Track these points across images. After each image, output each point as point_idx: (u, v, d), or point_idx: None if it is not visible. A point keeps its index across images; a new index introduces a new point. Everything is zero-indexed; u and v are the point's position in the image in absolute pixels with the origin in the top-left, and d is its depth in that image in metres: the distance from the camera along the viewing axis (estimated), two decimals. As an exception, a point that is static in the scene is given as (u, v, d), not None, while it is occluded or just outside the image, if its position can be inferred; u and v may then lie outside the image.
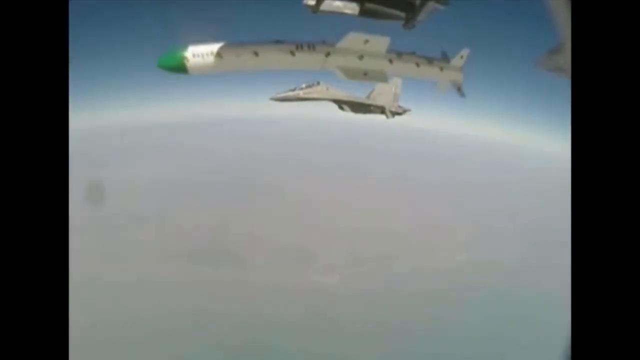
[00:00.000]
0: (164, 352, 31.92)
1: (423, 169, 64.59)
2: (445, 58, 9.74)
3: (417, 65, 9.22)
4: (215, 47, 8.26)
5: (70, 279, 3.74)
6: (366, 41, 8.32)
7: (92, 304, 31.39)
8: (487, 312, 36.77)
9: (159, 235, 45.87)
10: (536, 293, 37.53)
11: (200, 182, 56.07)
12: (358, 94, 21.24)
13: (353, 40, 8.37)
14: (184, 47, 8.23)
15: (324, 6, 6.70)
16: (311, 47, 8.60)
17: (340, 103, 20.94)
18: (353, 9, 6.76)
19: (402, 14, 6.75)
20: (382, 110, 21.22)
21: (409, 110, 21.92)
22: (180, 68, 8.27)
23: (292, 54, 8.48)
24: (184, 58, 8.19)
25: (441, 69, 9.45)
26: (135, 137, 68.55)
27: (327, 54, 8.59)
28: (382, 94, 20.78)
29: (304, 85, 19.63)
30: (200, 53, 8.19)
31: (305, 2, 6.83)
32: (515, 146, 78.64)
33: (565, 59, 3.63)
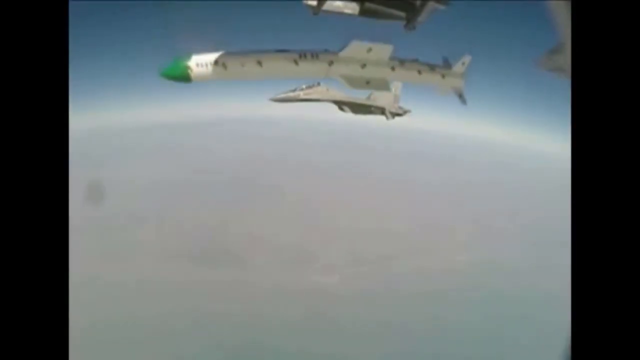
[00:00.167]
0: (164, 352, 31.90)
1: (423, 169, 64.65)
2: (447, 64, 9.77)
3: (419, 72, 9.28)
4: (219, 56, 8.25)
5: (70, 279, 3.74)
6: (369, 49, 8.40)
7: (92, 303, 31.42)
8: (487, 312, 36.77)
9: (159, 235, 45.89)
10: (536, 293, 37.55)
11: (200, 182, 56.12)
12: (358, 95, 21.23)
13: (356, 48, 8.44)
14: (187, 56, 8.21)
15: (324, 6, 6.70)
16: (314, 56, 8.62)
17: (340, 104, 20.95)
18: (353, 9, 6.76)
19: (403, 14, 6.75)
20: (382, 111, 21.22)
21: (409, 111, 21.91)
22: (183, 78, 8.27)
23: (296, 63, 8.52)
24: (187, 68, 8.18)
25: (443, 76, 9.52)
26: (136, 137, 68.64)
27: (331, 63, 8.63)
28: (382, 95, 20.77)
29: (304, 86, 19.65)
30: (203, 62, 8.19)
31: (305, 2, 6.82)
32: (515, 146, 78.74)
33: (565, 59, 3.62)
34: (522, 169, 68.25)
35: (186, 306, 36.08)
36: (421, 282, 40.96)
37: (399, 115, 21.84)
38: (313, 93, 19.96)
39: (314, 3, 6.70)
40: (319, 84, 19.73)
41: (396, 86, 20.52)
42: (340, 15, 6.88)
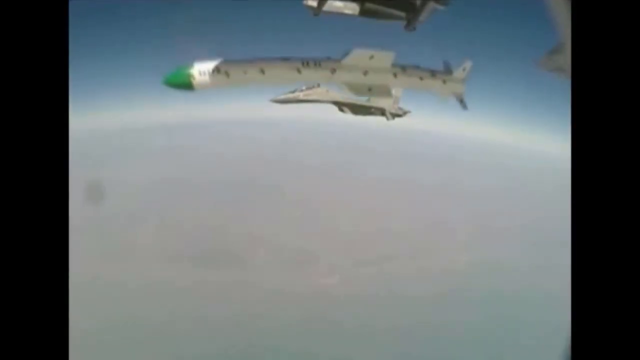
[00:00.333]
0: (164, 352, 31.91)
1: (423, 169, 64.61)
2: (448, 70, 9.85)
3: (421, 78, 9.37)
4: (221, 64, 8.30)
5: (70, 279, 3.74)
6: (371, 57, 8.50)
7: (92, 304, 31.39)
8: (488, 312, 36.76)
9: (159, 235, 45.88)
10: (536, 293, 37.52)
11: (200, 184, 56.09)
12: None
13: (358, 56, 8.54)
14: (190, 64, 8.24)
15: (324, 7, 6.71)
16: (317, 63, 8.70)
17: (340, 105, 21.00)
18: (353, 9, 6.77)
19: (403, 14, 6.76)
20: (382, 112, 21.26)
21: (409, 111, 21.95)
22: (186, 86, 8.31)
23: (299, 71, 8.58)
24: (190, 76, 8.22)
25: (444, 81, 9.64)
26: (136, 138, 68.59)
27: (333, 71, 8.71)
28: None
29: (304, 88, 19.72)
30: (206, 70, 8.23)
31: (305, 3, 6.83)
32: (515, 147, 78.65)
33: (565, 59, 3.63)
34: (522, 169, 68.21)
35: (186, 307, 36.07)
36: (421, 282, 40.95)
37: (398, 116, 21.87)
38: (313, 94, 20.03)
39: (314, 4, 6.72)
40: (318, 85, 19.79)
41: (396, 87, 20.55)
42: (340, 15, 6.89)
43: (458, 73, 9.78)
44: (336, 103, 20.86)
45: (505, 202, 57.29)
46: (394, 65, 8.90)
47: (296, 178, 58.61)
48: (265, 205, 52.12)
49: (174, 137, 68.62)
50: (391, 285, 40.88)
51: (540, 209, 52.09)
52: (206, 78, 8.22)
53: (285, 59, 8.61)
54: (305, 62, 8.60)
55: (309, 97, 20.00)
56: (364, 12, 6.79)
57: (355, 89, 8.91)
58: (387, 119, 21.35)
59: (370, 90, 8.94)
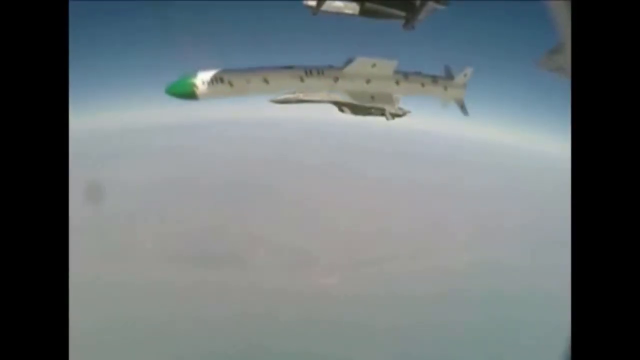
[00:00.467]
0: (164, 352, 31.90)
1: (423, 170, 64.65)
2: (450, 75, 9.87)
3: (422, 85, 9.41)
4: (225, 74, 8.27)
5: (70, 279, 3.74)
6: (374, 65, 8.53)
7: (92, 304, 31.40)
8: (488, 313, 36.77)
9: (159, 236, 45.89)
10: (536, 293, 37.54)
11: (200, 183, 56.12)
12: None
13: (361, 64, 8.56)
14: (193, 74, 8.23)
15: (324, 6, 6.70)
16: (320, 72, 8.68)
17: (340, 105, 20.99)
18: (353, 9, 6.77)
19: (403, 14, 6.75)
20: (382, 112, 21.24)
21: (409, 112, 21.92)
22: (189, 95, 8.29)
23: (302, 80, 8.57)
24: (193, 85, 8.18)
25: (445, 87, 9.67)
26: (136, 138, 68.66)
27: (336, 79, 8.72)
28: None
29: None
30: (209, 80, 8.20)
31: (305, 3, 6.82)
32: (515, 146, 78.73)
33: (565, 59, 3.63)
34: (522, 169, 68.28)
35: (186, 307, 36.07)
36: (421, 282, 40.95)
37: (398, 116, 21.84)
38: (313, 94, 20.02)
39: (313, 3, 6.71)
40: None
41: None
42: (340, 15, 6.89)
43: (459, 79, 9.82)
44: (336, 103, 20.85)
45: (505, 202, 57.31)
46: (396, 72, 8.94)
47: (296, 178, 58.65)
48: (265, 205, 52.14)
49: (174, 137, 68.67)
50: (391, 285, 40.89)
51: (540, 209, 52.14)
52: (209, 87, 8.20)
53: (288, 68, 8.60)
54: (309, 71, 8.60)
55: (309, 97, 20.00)
56: (364, 12, 6.79)
57: (358, 97, 8.96)
58: (387, 119, 21.32)
59: (373, 98, 8.98)
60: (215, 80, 8.19)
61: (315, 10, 6.73)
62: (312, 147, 67.71)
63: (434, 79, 9.55)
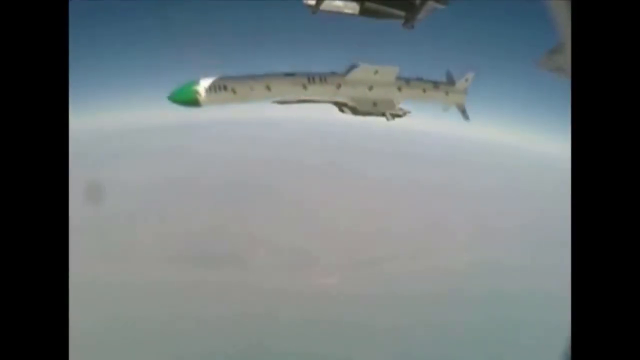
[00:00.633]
0: (164, 353, 31.90)
1: (423, 170, 64.65)
2: (451, 80, 9.93)
3: (424, 90, 9.58)
4: (228, 81, 8.33)
5: (70, 279, 3.73)
6: (376, 72, 8.72)
7: (92, 304, 31.39)
8: (488, 313, 36.76)
9: (159, 236, 45.88)
10: (536, 293, 37.52)
11: (200, 184, 56.11)
12: None
13: (363, 71, 8.73)
14: (196, 81, 8.26)
15: (323, 6, 6.70)
16: (323, 79, 8.83)
17: (340, 105, 21.03)
18: (353, 8, 6.77)
19: (403, 14, 6.75)
20: (382, 112, 21.29)
21: (409, 112, 21.98)
22: (192, 102, 8.32)
23: (304, 87, 8.74)
24: (196, 93, 8.21)
25: (446, 93, 9.76)
26: (136, 138, 68.65)
27: (339, 86, 8.92)
28: None
29: None
30: (212, 87, 8.24)
31: (305, 2, 6.82)
32: (515, 146, 78.73)
33: (565, 59, 3.63)
34: (522, 169, 68.28)
35: (186, 308, 36.06)
36: (421, 282, 40.95)
37: (398, 116, 21.89)
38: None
39: (313, 2, 6.71)
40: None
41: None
42: (339, 15, 6.89)
43: (460, 84, 9.87)
44: (336, 103, 20.90)
45: (505, 202, 57.30)
46: (398, 78, 9.07)
47: (296, 178, 58.64)
48: (265, 205, 52.13)
49: (174, 137, 68.62)
50: (391, 285, 40.87)
51: (540, 209, 52.11)
52: (212, 95, 8.24)
53: (291, 75, 8.68)
54: (311, 78, 8.70)
55: (309, 97, 20.04)
56: (363, 12, 6.79)
57: (360, 103, 9.15)
58: (387, 119, 21.40)
59: (375, 104, 9.22)
60: (218, 87, 8.25)
61: (315, 8, 6.74)
62: (312, 147, 67.69)
63: (436, 84, 9.65)
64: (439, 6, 6.66)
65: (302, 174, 60.21)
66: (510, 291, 39.30)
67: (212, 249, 44.23)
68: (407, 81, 9.21)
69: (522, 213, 53.88)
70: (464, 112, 10.11)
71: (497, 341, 33.81)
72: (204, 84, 8.20)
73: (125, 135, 69.44)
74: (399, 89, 9.14)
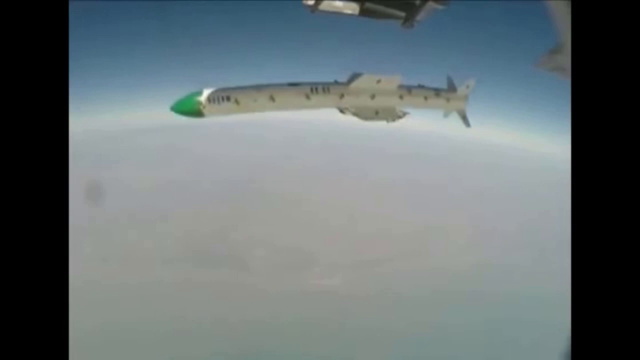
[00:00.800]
0: (164, 353, 31.88)
1: (423, 170, 64.63)
2: (452, 87, 9.98)
3: (425, 98, 9.60)
4: (231, 92, 8.37)
5: (70, 279, 3.73)
6: (379, 81, 8.75)
7: (91, 305, 31.38)
8: (488, 313, 36.75)
9: (159, 237, 45.88)
10: (536, 294, 37.51)
11: (200, 185, 56.10)
12: None
13: (366, 81, 8.76)
14: (199, 92, 8.30)
15: (323, 6, 6.70)
16: (326, 89, 8.83)
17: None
18: (353, 8, 6.77)
19: (402, 14, 6.76)
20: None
21: (408, 113, 22.01)
22: (195, 113, 8.38)
23: (308, 97, 8.70)
24: (199, 104, 8.24)
25: (448, 100, 9.84)
26: (136, 139, 68.60)
27: (341, 96, 8.89)
28: None
29: None
30: (216, 98, 8.28)
31: (305, 2, 6.82)
32: (515, 147, 78.73)
33: (565, 59, 3.63)
34: (522, 170, 68.23)
35: (186, 309, 36.05)
36: (422, 283, 40.95)
37: (398, 117, 21.91)
38: None
39: (312, 2, 6.71)
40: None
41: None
42: (339, 15, 6.89)
43: (461, 91, 9.93)
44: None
45: (505, 203, 57.28)
46: (400, 87, 9.11)
47: (296, 179, 58.62)
48: (265, 205, 52.12)
49: (174, 138, 68.59)
50: (391, 285, 40.88)
51: (540, 209, 52.08)
52: (215, 106, 8.28)
53: (294, 85, 8.73)
54: (314, 88, 8.74)
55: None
56: (363, 12, 6.80)
57: (362, 112, 9.14)
58: (387, 121, 21.43)
59: (377, 113, 9.21)
60: (221, 98, 8.28)
61: (314, 8, 6.74)
62: (312, 148, 67.71)
63: (437, 92, 9.74)
64: (439, 6, 6.66)
65: (302, 174, 60.22)
66: (510, 291, 39.29)
67: (213, 250, 44.23)
68: (409, 89, 9.31)
69: (522, 214, 53.88)
70: (464, 119, 10.18)
71: (497, 341, 33.80)
72: (206, 95, 8.23)
73: (125, 135, 69.42)
74: (401, 97, 9.22)
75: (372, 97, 8.94)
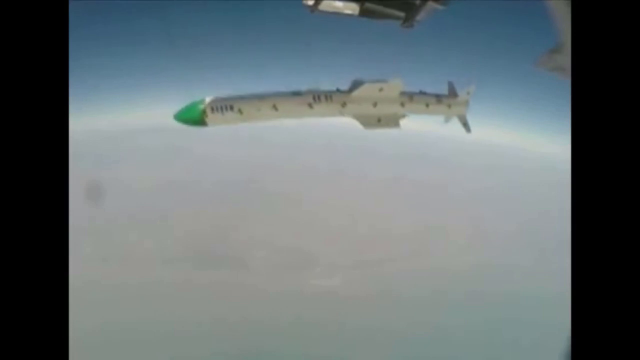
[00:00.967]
0: (164, 354, 31.88)
1: (423, 171, 64.56)
2: (453, 93, 10.05)
3: (427, 105, 9.69)
4: (234, 101, 8.47)
5: (70, 280, 3.73)
6: (381, 89, 8.87)
7: (91, 305, 31.38)
8: (488, 314, 36.74)
9: (159, 237, 45.88)
10: (536, 294, 37.51)
11: (201, 185, 56.07)
12: None
13: (368, 89, 8.88)
14: (202, 100, 8.38)
15: (323, 6, 6.70)
16: (328, 98, 8.95)
17: None
18: (353, 8, 6.78)
19: (402, 14, 6.77)
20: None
21: (406, 115, 22.02)
22: (199, 122, 8.44)
23: (310, 106, 8.84)
24: (202, 113, 8.32)
25: (449, 106, 9.92)
26: (136, 139, 68.52)
27: (344, 104, 9.03)
28: None
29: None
30: (218, 107, 8.37)
31: (305, 2, 6.83)
32: (515, 147, 78.64)
33: (565, 59, 3.63)
34: (521, 170, 68.14)
35: (186, 309, 36.04)
36: (422, 283, 40.94)
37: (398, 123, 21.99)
38: None
39: (312, 1, 6.72)
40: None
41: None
42: (339, 15, 6.90)
43: (462, 96, 9.99)
44: None
45: (505, 203, 57.23)
46: (401, 94, 9.17)
47: (296, 179, 58.59)
48: (266, 205, 52.12)
49: (174, 138, 68.55)
50: (391, 286, 40.86)
51: (540, 209, 52.05)
52: (219, 115, 8.36)
53: (297, 94, 8.83)
54: (317, 96, 8.84)
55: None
56: (363, 12, 6.81)
57: (365, 121, 9.30)
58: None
59: (379, 121, 9.35)
60: (224, 107, 8.37)
61: (314, 8, 6.74)
62: (312, 148, 67.64)
63: (438, 98, 9.83)
64: (439, 6, 6.67)
65: (302, 175, 60.18)
66: (510, 292, 39.28)
67: (213, 250, 44.23)
68: (411, 96, 9.40)
69: (522, 214, 53.85)
70: (465, 125, 10.26)
71: (497, 342, 33.79)
72: (210, 104, 8.31)
73: (125, 135, 69.33)
74: (402, 104, 9.32)
75: (374, 105, 9.05)
